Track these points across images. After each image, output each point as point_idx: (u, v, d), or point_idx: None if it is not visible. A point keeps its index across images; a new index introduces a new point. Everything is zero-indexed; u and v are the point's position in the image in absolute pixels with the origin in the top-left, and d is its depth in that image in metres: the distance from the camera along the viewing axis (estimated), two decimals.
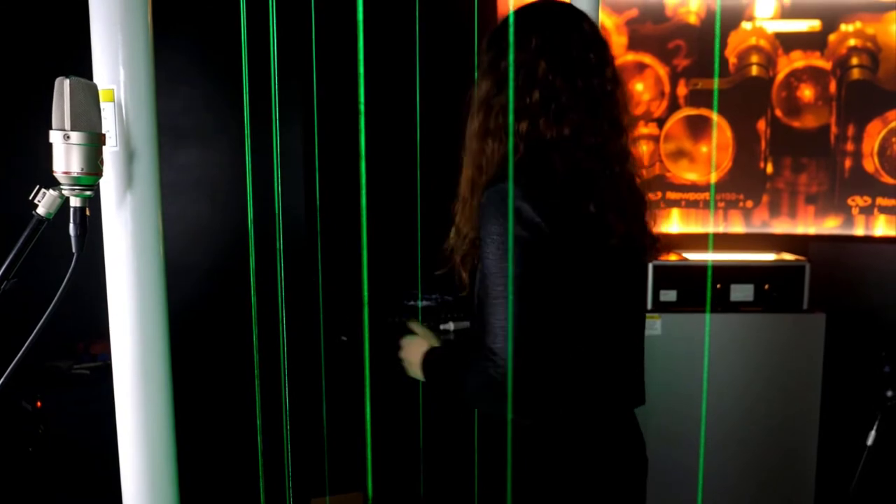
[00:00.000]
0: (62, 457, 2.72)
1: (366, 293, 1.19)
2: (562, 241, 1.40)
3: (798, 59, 4.12)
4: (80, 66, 1.34)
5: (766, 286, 3.42)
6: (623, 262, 1.54)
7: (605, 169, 1.50)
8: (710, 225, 4.22)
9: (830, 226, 4.19)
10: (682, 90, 4.15)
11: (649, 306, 3.33)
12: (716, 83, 4.13)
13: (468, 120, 1.56)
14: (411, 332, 1.72)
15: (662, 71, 4.13)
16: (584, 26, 1.54)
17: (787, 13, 4.10)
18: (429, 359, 1.62)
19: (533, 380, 1.40)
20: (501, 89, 1.50)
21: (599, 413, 1.53)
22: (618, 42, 4.05)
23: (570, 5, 1.64)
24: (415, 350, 1.66)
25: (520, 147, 1.48)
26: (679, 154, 4.18)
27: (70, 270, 1.18)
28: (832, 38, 4.10)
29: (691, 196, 4.20)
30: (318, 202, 2.05)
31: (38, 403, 2.65)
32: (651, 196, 1.65)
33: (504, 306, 1.36)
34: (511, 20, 1.59)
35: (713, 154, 4.18)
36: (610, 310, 1.54)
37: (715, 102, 4.10)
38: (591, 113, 1.49)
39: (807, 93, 4.14)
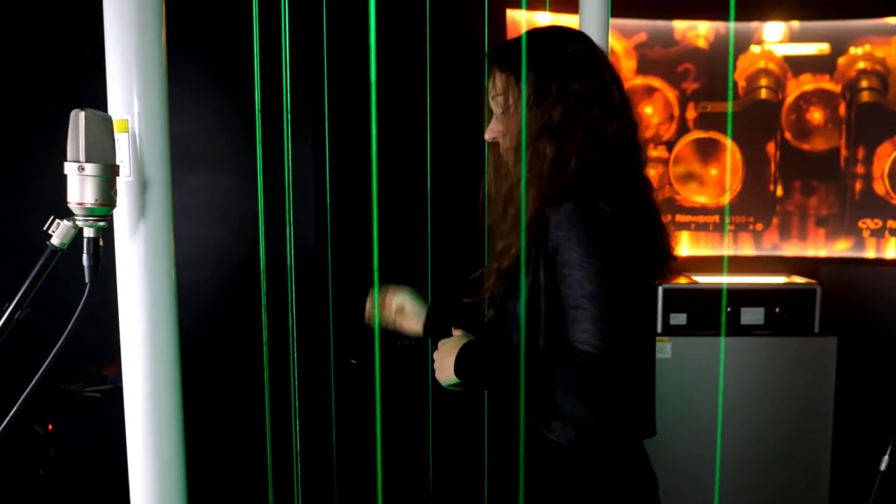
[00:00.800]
0: (73, 480, 2.73)
1: (377, 316, 1.20)
2: (637, 254, 1.45)
3: (807, 82, 4.14)
4: (95, 96, 1.36)
5: (777, 309, 3.40)
6: (653, 285, 1.61)
7: (651, 193, 1.56)
8: (724, 247, 4.22)
9: (841, 248, 4.18)
10: (691, 113, 4.16)
11: (659, 329, 3.32)
12: (730, 107, 4.15)
13: (529, 144, 1.51)
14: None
15: (671, 94, 4.14)
16: (583, 42, 1.57)
17: (795, 37, 4.12)
18: (469, 349, 1.52)
19: (618, 381, 1.39)
20: (576, 119, 1.48)
21: (627, 429, 1.54)
22: (627, 66, 4.08)
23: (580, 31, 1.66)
24: (448, 349, 1.55)
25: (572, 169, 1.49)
26: (688, 177, 4.19)
27: (83, 300, 1.19)
28: (841, 61, 4.11)
29: (701, 219, 4.20)
30: (328, 221, 2.06)
31: (50, 427, 2.66)
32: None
33: (598, 307, 1.37)
34: (551, 42, 1.56)
35: (727, 176, 4.18)
36: (648, 330, 1.58)
37: (729, 127, 4.12)
38: (637, 141, 1.55)
39: (816, 115, 4.15)
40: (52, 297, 1.34)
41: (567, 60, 1.51)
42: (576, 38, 1.56)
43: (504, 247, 1.56)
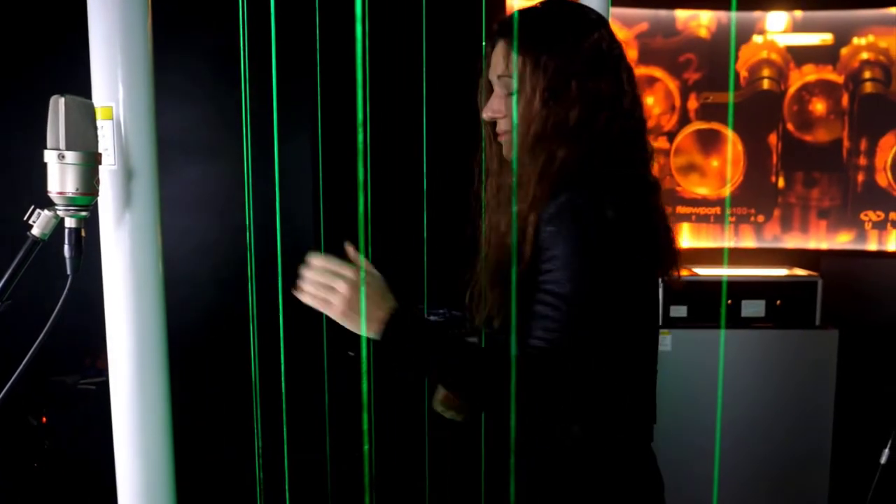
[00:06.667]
0: (67, 472, 2.71)
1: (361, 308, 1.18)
2: (634, 255, 1.38)
3: (810, 73, 4.10)
4: (79, 83, 1.33)
5: (778, 302, 3.38)
6: (655, 278, 1.52)
7: (657, 196, 1.49)
8: (724, 239, 4.19)
9: (843, 241, 4.15)
10: (692, 104, 4.12)
11: (659, 322, 3.30)
12: (731, 98, 4.11)
13: (538, 140, 1.42)
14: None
15: (673, 85, 4.10)
16: (606, 31, 1.47)
17: (798, 27, 4.07)
18: (403, 322, 1.34)
19: (584, 382, 1.34)
20: (589, 120, 1.40)
21: (630, 429, 1.50)
22: (628, 56, 4.04)
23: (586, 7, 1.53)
24: (373, 298, 1.35)
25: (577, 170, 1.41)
26: (689, 168, 4.16)
27: (64, 293, 1.16)
28: (844, 51, 4.07)
29: (702, 210, 4.17)
30: (321, 213, 2.04)
31: (44, 419, 2.64)
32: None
33: (572, 309, 1.30)
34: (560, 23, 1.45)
35: (728, 168, 4.15)
36: (647, 326, 1.53)
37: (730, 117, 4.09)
38: (642, 128, 1.47)
39: (819, 107, 4.11)
40: (37, 290, 1.32)
41: (588, 54, 1.42)
42: (597, 23, 1.46)
43: (508, 249, 1.48)
